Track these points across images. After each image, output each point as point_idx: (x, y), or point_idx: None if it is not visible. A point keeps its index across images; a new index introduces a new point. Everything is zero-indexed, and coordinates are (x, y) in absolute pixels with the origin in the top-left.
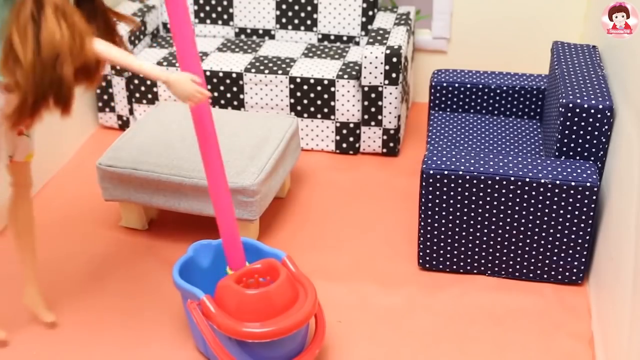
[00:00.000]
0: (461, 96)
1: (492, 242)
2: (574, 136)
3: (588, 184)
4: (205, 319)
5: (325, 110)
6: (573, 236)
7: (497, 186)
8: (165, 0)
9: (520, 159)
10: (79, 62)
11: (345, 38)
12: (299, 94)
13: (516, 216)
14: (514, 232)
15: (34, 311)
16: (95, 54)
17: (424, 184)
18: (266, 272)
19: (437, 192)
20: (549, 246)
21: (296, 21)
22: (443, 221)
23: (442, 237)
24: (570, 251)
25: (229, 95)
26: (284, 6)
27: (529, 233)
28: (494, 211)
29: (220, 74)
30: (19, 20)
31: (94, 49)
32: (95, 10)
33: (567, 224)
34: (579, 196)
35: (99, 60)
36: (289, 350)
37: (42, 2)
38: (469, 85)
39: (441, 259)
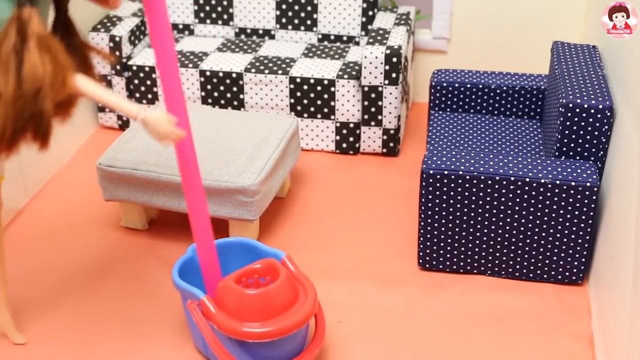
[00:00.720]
0: (461, 96)
1: (492, 242)
2: (574, 136)
3: (588, 184)
4: (206, 319)
5: (325, 110)
6: (573, 236)
7: (497, 186)
8: (151, 42)
9: (520, 159)
10: (60, 97)
11: (345, 38)
12: (299, 94)
13: (516, 216)
14: (514, 232)
15: (6, 333)
16: (75, 89)
17: (424, 184)
18: (266, 272)
19: (437, 192)
20: (549, 246)
21: (296, 21)
22: (443, 221)
23: (442, 237)
24: (570, 251)
25: (229, 95)
26: (284, 6)
27: (529, 233)
28: (494, 211)
29: (220, 74)
30: (0, 51)
31: (75, 84)
32: (73, 44)
33: (567, 224)
34: (579, 196)
35: (76, 95)
36: (289, 350)
37: (26, 35)
38: (469, 85)
39: (441, 259)
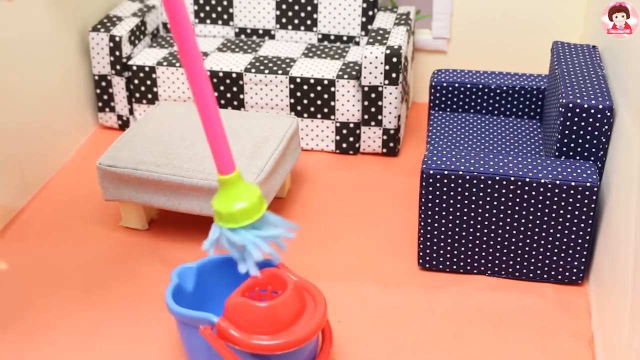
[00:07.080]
0: (461, 96)
1: (492, 242)
2: (574, 136)
3: (588, 184)
4: (225, 342)
5: (325, 110)
6: (573, 236)
7: (497, 186)
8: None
9: (520, 159)
10: None
11: (345, 38)
12: (299, 94)
13: (516, 216)
14: (514, 232)
15: None
16: None
17: (424, 184)
18: (267, 283)
19: (437, 192)
20: (549, 246)
21: (296, 21)
22: (443, 221)
23: (442, 237)
24: (570, 251)
25: (229, 95)
26: (284, 6)
27: (529, 233)
28: (494, 211)
29: (220, 74)
30: None
31: None
32: None
33: (567, 224)
34: (579, 196)
35: None
36: (306, 356)
37: None
38: (469, 85)
39: (441, 259)
